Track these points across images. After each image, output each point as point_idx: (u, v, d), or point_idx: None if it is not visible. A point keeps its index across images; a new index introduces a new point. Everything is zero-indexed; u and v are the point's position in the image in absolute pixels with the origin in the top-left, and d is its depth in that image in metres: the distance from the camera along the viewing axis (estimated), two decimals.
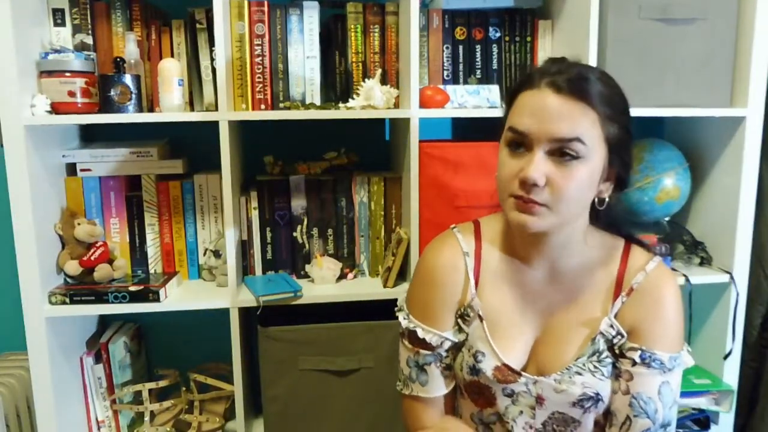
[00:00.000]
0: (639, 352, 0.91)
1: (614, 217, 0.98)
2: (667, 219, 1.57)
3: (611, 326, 0.93)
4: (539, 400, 0.94)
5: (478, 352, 0.95)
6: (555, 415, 0.94)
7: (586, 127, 0.84)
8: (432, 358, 0.99)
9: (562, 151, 0.84)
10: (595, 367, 0.92)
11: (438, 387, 1.01)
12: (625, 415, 0.92)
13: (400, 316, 1.03)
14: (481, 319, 0.96)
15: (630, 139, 0.90)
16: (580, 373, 0.92)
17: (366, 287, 1.44)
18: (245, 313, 1.44)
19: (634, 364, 0.91)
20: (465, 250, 0.99)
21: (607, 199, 0.92)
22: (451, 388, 1.02)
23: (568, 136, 0.83)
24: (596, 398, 0.92)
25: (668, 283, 0.95)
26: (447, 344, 0.99)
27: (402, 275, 1.44)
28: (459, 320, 0.99)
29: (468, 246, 1.00)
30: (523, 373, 0.94)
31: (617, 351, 0.94)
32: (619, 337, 0.93)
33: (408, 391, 1.02)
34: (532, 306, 0.97)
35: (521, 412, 0.95)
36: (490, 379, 0.94)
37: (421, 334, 0.98)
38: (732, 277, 1.48)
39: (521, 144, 0.87)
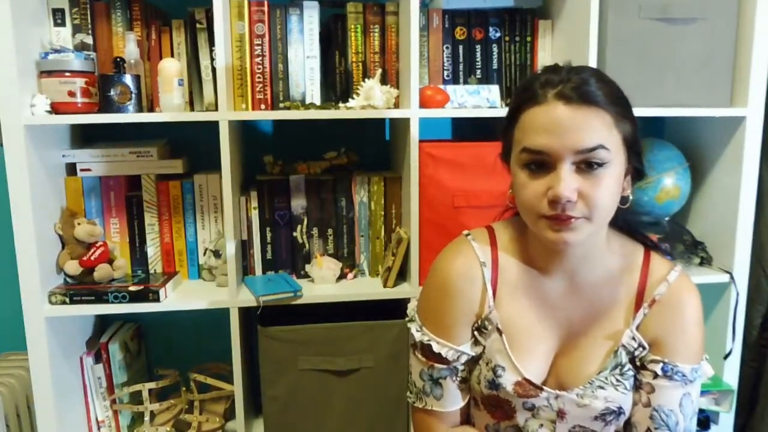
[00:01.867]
0: (661, 364, 0.90)
1: (632, 215, 0.96)
2: (667, 219, 1.57)
3: (633, 338, 0.92)
4: (560, 414, 0.92)
5: (497, 366, 0.92)
6: (576, 428, 0.93)
7: (605, 132, 0.82)
8: (447, 372, 0.96)
9: (587, 162, 0.82)
10: (618, 380, 0.91)
11: (454, 401, 0.97)
12: (646, 427, 0.91)
13: (412, 327, 0.98)
14: (499, 332, 0.93)
15: (637, 130, 0.89)
16: (602, 387, 0.90)
17: (366, 287, 1.44)
18: (245, 313, 1.44)
19: (656, 376, 0.90)
20: (482, 260, 0.95)
21: (630, 197, 0.91)
22: (466, 401, 0.99)
23: (591, 146, 0.81)
24: (618, 411, 0.91)
25: (690, 294, 0.93)
26: (463, 358, 0.95)
27: (402, 275, 1.44)
28: (476, 333, 0.95)
29: (485, 255, 0.95)
30: (544, 387, 0.92)
31: (638, 363, 0.92)
32: (641, 349, 0.92)
33: (421, 404, 0.98)
34: (551, 318, 0.95)
35: (541, 425, 0.93)
36: (510, 393, 0.92)
37: (436, 348, 0.94)
38: (732, 277, 1.48)
39: (541, 162, 0.84)
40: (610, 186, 0.83)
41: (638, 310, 0.93)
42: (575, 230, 0.83)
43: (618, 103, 0.85)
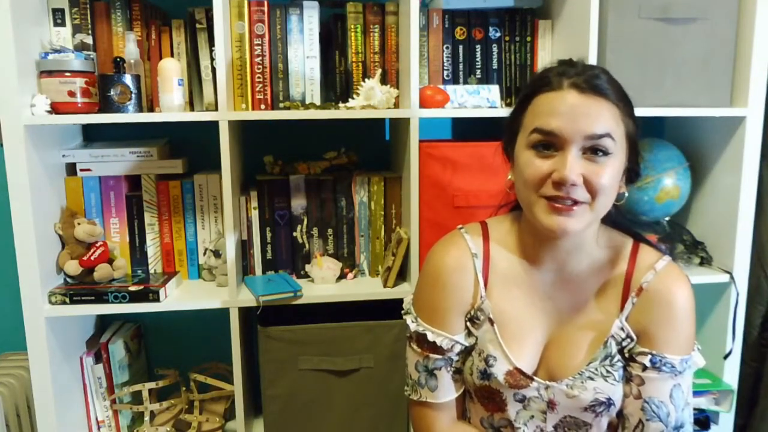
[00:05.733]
0: (649, 356, 0.91)
1: (622, 214, 0.99)
2: (667, 219, 1.57)
3: (621, 329, 0.93)
4: (551, 404, 0.93)
5: (489, 356, 0.94)
6: (566, 419, 0.93)
7: (612, 123, 0.86)
8: (442, 362, 0.97)
9: (594, 149, 0.85)
10: (608, 371, 0.91)
11: (448, 392, 0.99)
12: (638, 419, 0.92)
13: (408, 319, 1.01)
14: (491, 322, 0.95)
15: (639, 133, 0.92)
16: (592, 378, 0.91)
17: (366, 287, 1.44)
18: (245, 313, 1.44)
19: (645, 368, 0.91)
20: (473, 251, 0.98)
21: (626, 194, 0.93)
22: (460, 392, 1.00)
23: (601, 132, 0.84)
24: (608, 403, 0.91)
25: (679, 283, 0.93)
26: (458, 348, 0.97)
27: (402, 275, 1.44)
28: (468, 323, 0.97)
29: (476, 247, 0.98)
30: (534, 377, 0.93)
31: (627, 355, 0.93)
32: (629, 340, 0.92)
33: (417, 396, 1.00)
34: (541, 309, 0.96)
35: (532, 416, 0.94)
36: (501, 383, 0.93)
37: (431, 337, 0.96)
38: (732, 277, 1.48)
39: (549, 144, 0.86)
40: (611, 175, 0.86)
41: (626, 300, 0.94)
42: (575, 217, 0.86)
43: (624, 101, 0.89)
